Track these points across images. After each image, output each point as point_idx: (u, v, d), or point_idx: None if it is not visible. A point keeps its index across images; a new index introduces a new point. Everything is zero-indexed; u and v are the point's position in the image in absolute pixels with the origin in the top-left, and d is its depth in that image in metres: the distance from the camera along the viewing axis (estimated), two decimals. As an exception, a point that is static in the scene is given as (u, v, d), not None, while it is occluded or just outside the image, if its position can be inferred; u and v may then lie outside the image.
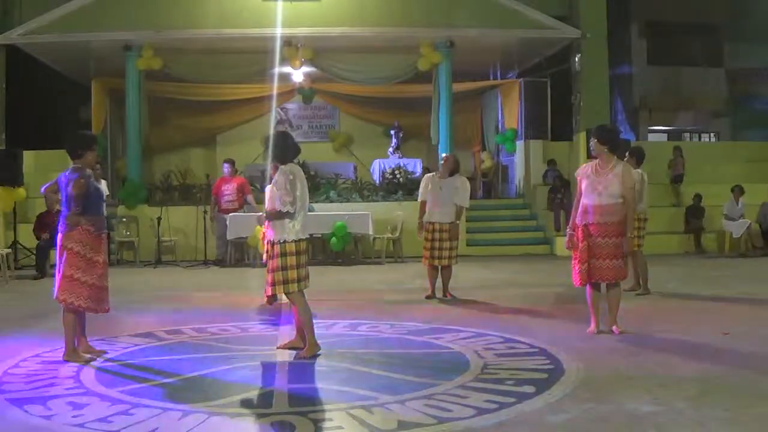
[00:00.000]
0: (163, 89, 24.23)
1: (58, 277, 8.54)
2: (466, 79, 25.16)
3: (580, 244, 9.54)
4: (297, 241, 8.63)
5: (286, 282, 8.60)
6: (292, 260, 8.60)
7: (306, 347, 8.68)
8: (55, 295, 8.53)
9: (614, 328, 9.56)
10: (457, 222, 13.28)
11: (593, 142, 9.67)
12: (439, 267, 13.26)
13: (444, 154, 14.74)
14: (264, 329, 10.66)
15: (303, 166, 22.96)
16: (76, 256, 8.49)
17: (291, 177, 8.54)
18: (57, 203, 9.13)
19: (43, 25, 21.32)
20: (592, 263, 9.44)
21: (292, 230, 8.59)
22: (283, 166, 8.64)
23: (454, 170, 13.31)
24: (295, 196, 8.47)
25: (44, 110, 26.27)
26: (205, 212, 20.56)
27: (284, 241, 8.59)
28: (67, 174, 8.61)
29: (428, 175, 13.79)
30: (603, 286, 9.73)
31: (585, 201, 9.58)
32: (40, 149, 22.45)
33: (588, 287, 9.67)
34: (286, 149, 8.73)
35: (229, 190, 20.16)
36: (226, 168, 20.49)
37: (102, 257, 8.76)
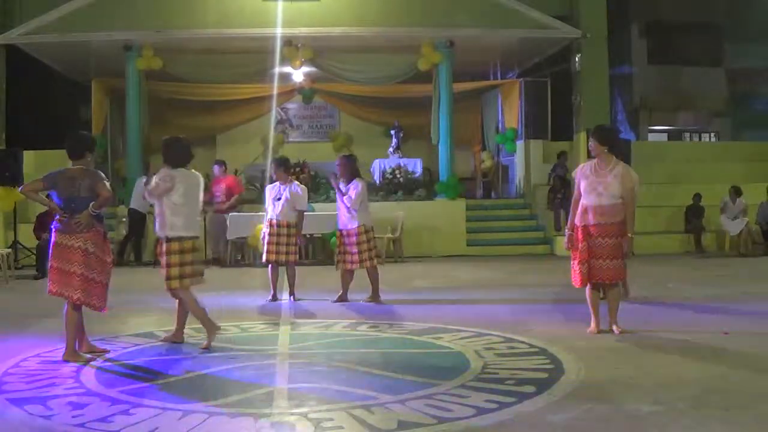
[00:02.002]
0: (163, 89, 24.22)
1: (62, 276, 8.52)
2: (466, 79, 25.19)
3: (579, 245, 9.54)
4: (179, 239, 9.17)
5: (168, 278, 9.13)
6: (175, 258, 9.10)
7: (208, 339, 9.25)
8: (52, 291, 8.55)
9: (615, 328, 9.56)
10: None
11: (592, 142, 9.67)
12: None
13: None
14: (264, 329, 10.64)
15: (303, 165, 23.18)
16: (92, 256, 8.53)
17: (168, 180, 9.11)
18: (45, 204, 9.12)
19: (43, 25, 21.31)
20: (592, 263, 9.45)
21: (174, 228, 9.14)
22: (170, 170, 9.24)
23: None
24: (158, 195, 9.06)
25: (44, 110, 26.29)
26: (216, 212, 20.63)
27: (168, 239, 9.14)
28: (64, 173, 8.65)
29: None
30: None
31: (585, 201, 9.58)
32: (40, 149, 22.44)
33: (588, 287, 9.67)
34: (169, 155, 9.35)
35: (219, 191, 20.33)
36: (216, 169, 20.69)
37: (110, 257, 8.89)
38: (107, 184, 8.69)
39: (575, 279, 9.66)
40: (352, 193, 12.70)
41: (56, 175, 8.68)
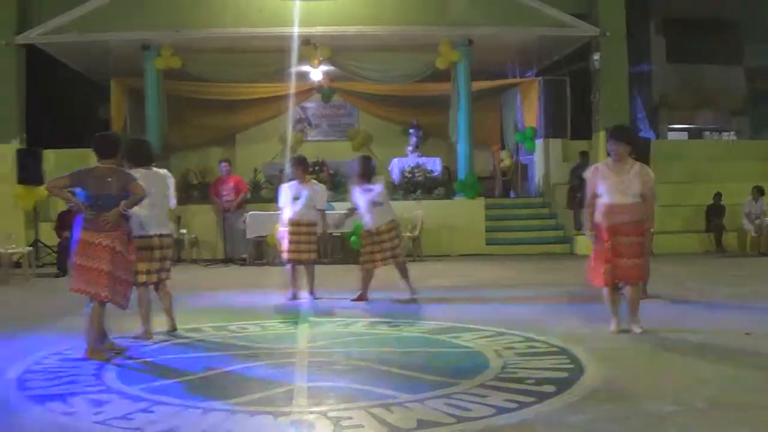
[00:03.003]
0: (181, 88, 24.25)
1: (88, 273, 8.55)
2: (484, 78, 25.11)
3: (605, 244, 9.49)
4: (140, 237, 9.51)
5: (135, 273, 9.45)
6: (138, 254, 9.41)
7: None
8: (75, 288, 8.58)
9: (635, 327, 9.52)
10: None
11: (620, 146, 9.56)
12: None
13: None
14: (283, 327, 10.67)
15: (322, 164, 23.21)
16: (118, 255, 8.58)
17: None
18: (70, 201, 9.17)
19: (61, 25, 21.36)
20: (615, 263, 9.41)
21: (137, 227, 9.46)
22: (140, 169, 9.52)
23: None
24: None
25: (63, 110, 26.39)
26: (227, 210, 20.70)
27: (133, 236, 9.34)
28: (93, 171, 8.72)
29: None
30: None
31: (609, 201, 9.48)
32: (60, 148, 22.54)
33: (608, 289, 9.65)
34: (131, 154, 9.70)
35: (226, 189, 20.58)
36: (223, 167, 20.92)
37: (133, 257, 9.02)
38: (140, 182, 8.75)
39: (597, 279, 9.61)
40: (378, 189, 12.92)
41: (85, 172, 8.72)
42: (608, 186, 9.52)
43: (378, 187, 12.84)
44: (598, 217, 9.61)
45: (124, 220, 8.65)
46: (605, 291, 9.68)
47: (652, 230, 9.48)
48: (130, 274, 8.87)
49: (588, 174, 9.93)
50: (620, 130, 9.87)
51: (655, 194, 9.67)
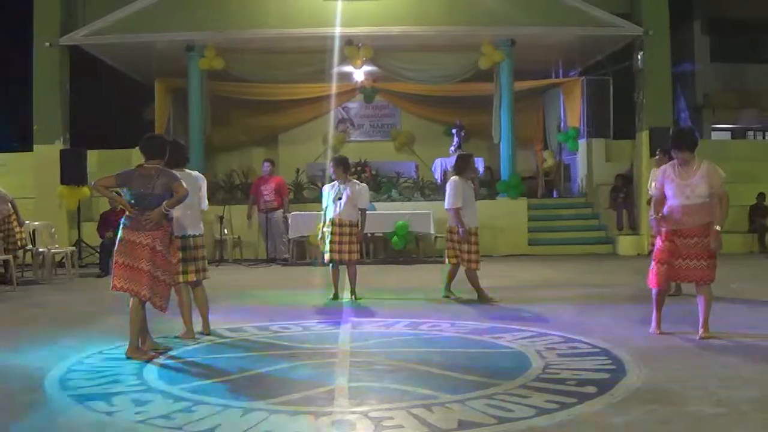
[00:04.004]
0: (225, 89, 24.37)
1: (127, 271, 8.62)
2: (527, 78, 25.05)
3: (662, 244, 9.39)
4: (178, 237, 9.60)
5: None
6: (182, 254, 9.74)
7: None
8: (116, 287, 8.64)
9: (701, 331, 9.29)
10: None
11: (683, 154, 9.43)
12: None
13: None
14: (325, 328, 10.68)
15: (365, 165, 23.26)
16: (159, 254, 8.63)
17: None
18: (116, 200, 9.22)
19: (106, 26, 21.53)
20: (677, 264, 9.29)
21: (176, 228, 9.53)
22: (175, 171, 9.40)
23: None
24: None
25: (107, 110, 26.58)
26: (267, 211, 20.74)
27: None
28: (139, 170, 8.79)
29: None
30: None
31: (672, 203, 9.40)
32: (103, 149, 22.73)
33: (659, 290, 9.58)
34: (172, 157, 9.50)
35: (267, 189, 20.51)
36: (266, 167, 20.85)
37: (175, 258, 9.16)
38: (183, 183, 8.80)
39: (651, 279, 9.54)
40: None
41: (131, 172, 8.81)
42: (672, 190, 9.42)
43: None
44: (663, 218, 9.51)
45: (165, 220, 8.69)
46: (654, 291, 9.61)
47: (718, 228, 9.24)
48: (170, 276, 8.89)
49: (657, 174, 9.87)
50: (681, 138, 9.63)
51: (725, 192, 9.38)
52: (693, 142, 9.53)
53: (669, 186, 9.46)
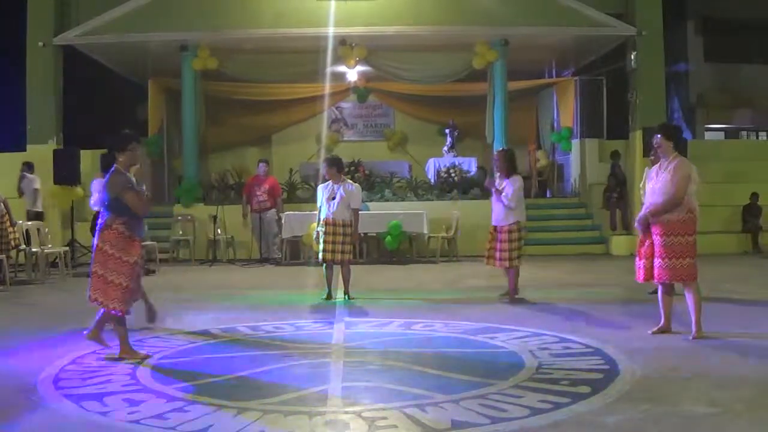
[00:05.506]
0: (218, 89, 24.40)
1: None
2: (521, 78, 25.08)
3: (645, 241, 9.45)
4: None
5: None
6: None
7: None
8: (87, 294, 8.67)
9: (694, 331, 9.31)
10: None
11: (658, 139, 9.46)
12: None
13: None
14: (318, 327, 10.67)
15: (358, 164, 23.28)
16: (109, 257, 8.56)
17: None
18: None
19: (99, 26, 21.55)
20: (655, 263, 9.32)
21: None
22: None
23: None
24: None
25: (101, 110, 26.54)
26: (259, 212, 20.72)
27: None
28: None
29: None
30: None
31: (645, 201, 9.54)
32: (97, 149, 22.70)
33: (659, 289, 9.60)
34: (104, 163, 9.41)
35: (261, 190, 20.42)
36: (261, 168, 20.77)
37: (133, 259, 8.67)
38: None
39: (636, 273, 9.60)
40: (509, 189, 12.69)
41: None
42: (649, 188, 9.55)
43: (509, 188, 12.71)
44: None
45: (117, 220, 8.60)
46: (659, 291, 9.64)
47: (645, 212, 9.33)
48: (127, 278, 8.63)
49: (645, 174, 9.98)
50: (662, 125, 9.89)
51: (691, 191, 9.36)
52: (674, 133, 9.59)
53: (648, 185, 9.62)
